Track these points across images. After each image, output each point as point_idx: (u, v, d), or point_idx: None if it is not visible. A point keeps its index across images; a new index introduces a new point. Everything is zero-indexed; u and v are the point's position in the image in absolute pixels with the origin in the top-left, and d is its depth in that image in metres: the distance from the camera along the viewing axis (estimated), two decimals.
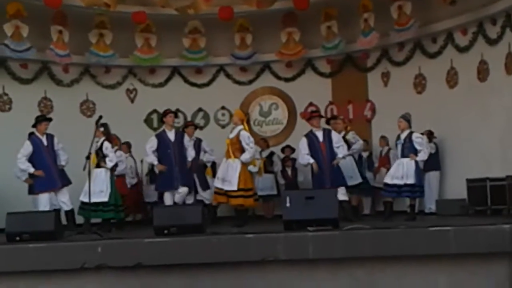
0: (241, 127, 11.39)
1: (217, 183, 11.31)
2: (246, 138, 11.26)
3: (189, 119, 16.18)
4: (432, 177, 13.96)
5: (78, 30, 15.07)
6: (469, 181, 12.73)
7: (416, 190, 11.16)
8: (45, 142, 11.20)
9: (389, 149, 14.21)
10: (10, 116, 14.66)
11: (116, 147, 12.55)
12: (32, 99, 14.99)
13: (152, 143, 11.68)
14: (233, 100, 16.19)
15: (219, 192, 11.28)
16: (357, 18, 15.27)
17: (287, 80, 16.55)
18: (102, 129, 11.34)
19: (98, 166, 11.25)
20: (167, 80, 16.46)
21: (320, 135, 11.73)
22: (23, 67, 14.76)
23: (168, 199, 11.52)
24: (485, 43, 13.34)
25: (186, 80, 16.52)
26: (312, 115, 12.40)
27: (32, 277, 7.53)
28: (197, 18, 15.81)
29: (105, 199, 11.19)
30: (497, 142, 12.75)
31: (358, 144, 13.20)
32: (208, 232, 8.34)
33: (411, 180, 11.00)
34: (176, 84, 16.46)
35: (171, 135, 11.70)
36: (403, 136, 11.29)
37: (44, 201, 11.00)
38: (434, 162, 13.82)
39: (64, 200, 11.22)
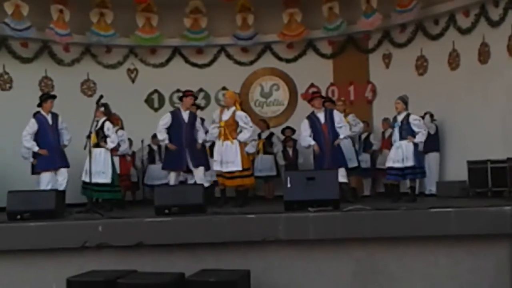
0: (233, 108, 11.31)
1: (216, 166, 11.20)
2: (243, 117, 11.19)
3: None
4: (431, 158, 13.96)
5: (79, 9, 15.04)
6: (470, 163, 12.71)
7: (417, 172, 11.16)
8: (50, 121, 11.16)
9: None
10: (11, 95, 14.64)
11: (117, 127, 12.51)
12: (32, 78, 14.97)
13: (167, 120, 11.48)
14: (234, 81, 16.19)
15: (222, 175, 11.27)
16: None
17: (288, 61, 16.51)
18: (102, 109, 11.28)
19: (97, 146, 11.20)
20: (168, 60, 16.42)
21: (321, 116, 11.67)
22: (23, 46, 14.73)
23: (173, 179, 11.49)
24: (487, 25, 13.28)
25: (187, 60, 16.48)
26: (313, 96, 12.34)
27: (33, 256, 7.56)
28: None
29: (107, 180, 11.16)
30: (498, 124, 12.73)
31: (358, 127, 13.22)
32: (209, 212, 8.35)
33: (410, 163, 10.98)
34: (177, 64, 16.42)
35: (185, 115, 11.53)
36: (400, 118, 11.22)
37: (45, 180, 10.97)
38: (433, 143, 13.83)
39: (60, 180, 11.17)
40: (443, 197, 12.61)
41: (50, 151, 11.02)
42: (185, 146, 11.36)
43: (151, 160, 14.82)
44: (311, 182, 8.24)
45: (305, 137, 11.70)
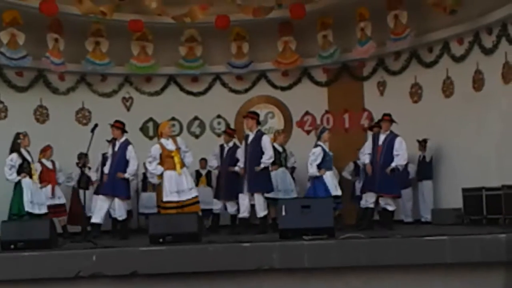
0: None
1: (172, 197, 10.79)
2: (184, 142, 11.31)
3: (184, 127, 16.24)
4: (425, 186, 14.00)
5: (74, 38, 15.09)
6: (464, 190, 12.72)
7: (338, 201, 11.14)
8: (116, 148, 11.59)
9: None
10: (6, 124, 14.59)
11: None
12: (27, 107, 14.99)
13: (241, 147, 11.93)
14: (229, 109, 16.24)
15: (172, 206, 10.80)
16: (353, 27, 15.27)
17: (283, 89, 16.56)
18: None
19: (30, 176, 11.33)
20: (163, 89, 16.47)
21: (382, 137, 11.55)
22: (18, 75, 14.75)
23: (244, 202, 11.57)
24: (480, 53, 13.36)
25: (182, 89, 16.52)
26: (384, 118, 11.84)
27: (27, 286, 7.50)
28: (193, 27, 15.82)
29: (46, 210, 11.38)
30: (492, 151, 12.76)
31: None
32: (204, 241, 8.32)
33: (339, 191, 11.15)
34: (172, 92, 16.47)
35: (249, 137, 11.61)
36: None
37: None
38: (427, 171, 13.88)
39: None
40: (438, 224, 12.60)
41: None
42: (247, 169, 11.41)
43: (144, 188, 14.80)
44: (306, 210, 8.23)
45: (363, 154, 11.79)
